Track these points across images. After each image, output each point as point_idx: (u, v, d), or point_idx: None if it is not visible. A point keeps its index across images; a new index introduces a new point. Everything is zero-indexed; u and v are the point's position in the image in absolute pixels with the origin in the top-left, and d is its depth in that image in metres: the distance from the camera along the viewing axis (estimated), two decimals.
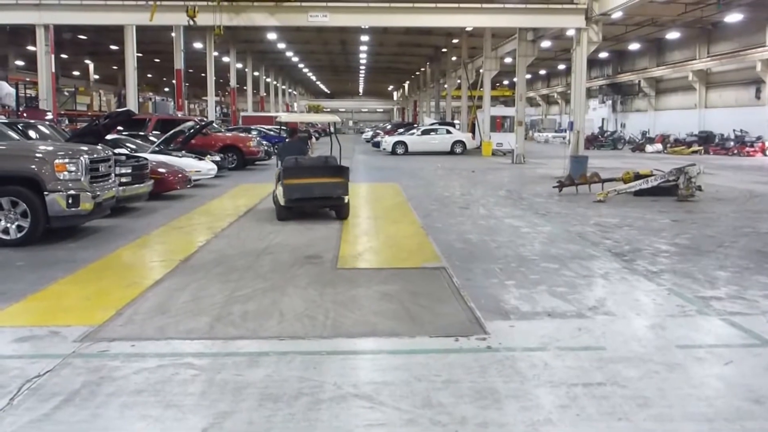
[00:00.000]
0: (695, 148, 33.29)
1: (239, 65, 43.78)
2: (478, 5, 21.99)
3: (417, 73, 60.71)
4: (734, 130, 32.92)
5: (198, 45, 33.85)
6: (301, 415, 3.46)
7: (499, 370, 4.11)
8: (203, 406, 3.56)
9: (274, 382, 3.88)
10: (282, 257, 7.47)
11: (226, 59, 42.11)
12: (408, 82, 71.86)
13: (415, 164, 23.68)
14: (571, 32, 21.93)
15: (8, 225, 7.84)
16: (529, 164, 24.16)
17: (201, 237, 8.86)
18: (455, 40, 37.93)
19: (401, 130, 37.45)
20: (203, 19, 20.87)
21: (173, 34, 25.62)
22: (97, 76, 50.77)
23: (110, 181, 9.07)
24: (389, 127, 48.91)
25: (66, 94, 35.57)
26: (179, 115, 24.68)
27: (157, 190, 11.67)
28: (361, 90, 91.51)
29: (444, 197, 13.77)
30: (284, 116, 13.57)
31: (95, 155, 8.57)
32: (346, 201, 10.21)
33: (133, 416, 3.45)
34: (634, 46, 40.46)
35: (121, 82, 42.41)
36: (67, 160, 7.99)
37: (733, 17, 29.06)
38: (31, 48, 29.32)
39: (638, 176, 13.82)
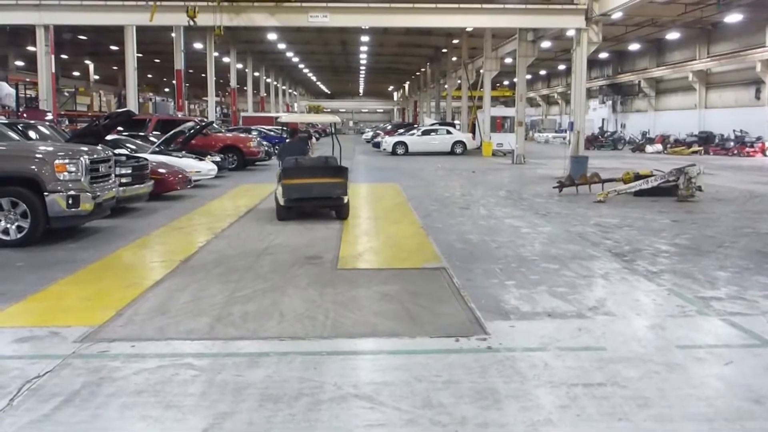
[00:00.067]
0: (695, 148, 33.29)
1: (239, 66, 43.79)
2: (479, 6, 21.99)
3: (417, 73, 60.72)
4: (734, 131, 32.92)
5: (198, 45, 33.85)
6: (302, 416, 3.46)
7: (499, 370, 4.11)
8: (203, 407, 3.56)
9: (275, 383, 3.88)
10: (282, 258, 7.47)
11: (226, 59, 42.11)
12: (408, 82, 71.87)
13: (415, 164, 23.69)
14: (571, 33, 21.93)
15: (8, 225, 7.84)
16: (530, 164, 24.16)
17: (201, 237, 8.86)
18: (455, 41, 37.94)
19: (401, 130, 37.44)
20: (203, 19, 20.87)
21: (173, 35, 25.63)
22: (97, 77, 50.78)
23: (110, 181, 9.07)
24: (389, 127, 48.94)
25: (66, 94, 35.59)
26: (179, 116, 24.68)
27: (158, 191, 11.67)
28: (361, 90, 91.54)
29: (444, 197, 13.77)
30: (285, 117, 13.59)
31: (95, 156, 8.57)
32: (345, 201, 10.23)
33: (133, 417, 3.45)
34: (634, 47, 40.46)
35: (121, 83, 42.42)
36: (67, 161, 7.99)
37: (733, 17, 29.05)
38: (31, 48, 29.33)
39: (638, 176, 13.81)
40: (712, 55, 35.27)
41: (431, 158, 27.49)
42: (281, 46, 43.51)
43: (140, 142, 15.18)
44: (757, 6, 26.98)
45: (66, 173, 7.93)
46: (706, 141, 34.20)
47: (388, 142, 31.95)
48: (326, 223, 10.00)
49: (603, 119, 49.31)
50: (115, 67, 48.68)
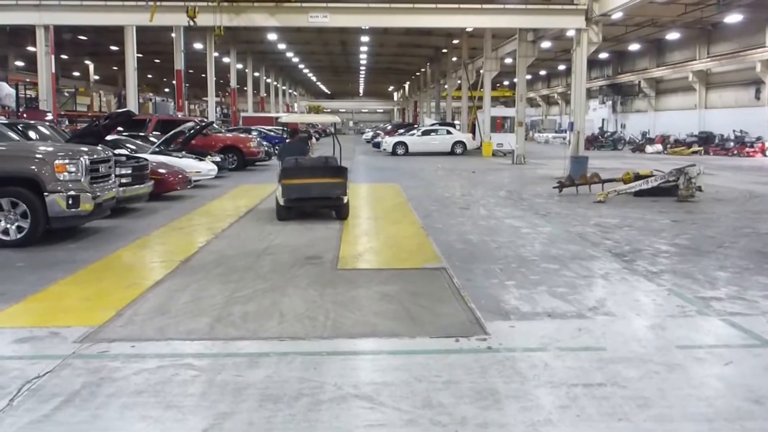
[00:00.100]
0: (695, 148, 33.30)
1: (239, 66, 43.79)
2: (479, 6, 21.99)
3: (417, 73, 60.74)
4: (734, 131, 32.92)
5: (198, 45, 33.86)
6: (302, 416, 3.46)
7: (499, 370, 4.11)
8: (203, 407, 3.56)
9: (275, 383, 3.88)
10: (282, 258, 7.47)
11: (226, 60, 42.12)
12: (408, 82, 71.87)
13: (415, 165, 23.69)
14: (571, 33, 21.93)
15: (8, 226, 7.84)
16: (530, 165, 24.16)
17: (201, 238, 8.86)
18: (455, 41, 37.94)
19: (401, 130, 37.44)
20: (203, 19, 20.87)
21: (173, 35, 25.63)
22: (97, 77, 50.79)
23: (110, 181, 9.07)
24: (389, 127, 48.94)
25: (66, 94, 35.60)
26: (179, 116, 24.68)
27: (158, 191, 11.67)
28: (361, 90, 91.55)
29: (444, 198, 13.77)
30: (285, 117, 13.60)
31: (95, 156, 8.57)
32: (345, 201, 10.23)
33: (133, 417, 3.45)
34: (634, 47, 40.46)
35: (122, 83, 42.43)
36: (67, 161, 7.99)
37: (733, 18, 29.05)
38: (31, 49, 29.35)
39: (638, 177, 13.81)
40: (712, 56, 35.27)
41: (431, 158, 27.50)
42: (281, 46, 43.51)
43: (140, 143, 15.19)
44: (756, 6, 26.98)
45: (66, 173, 7.93)
46: (706, 141, 34.20)
47: (388, 142, 31.96)
48: (326, 223, 10.00)
49: (603, 119, 49.31)
50: (115, 68, 48.70)
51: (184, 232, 9.43)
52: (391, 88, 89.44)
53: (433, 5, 21.69)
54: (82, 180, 8.09)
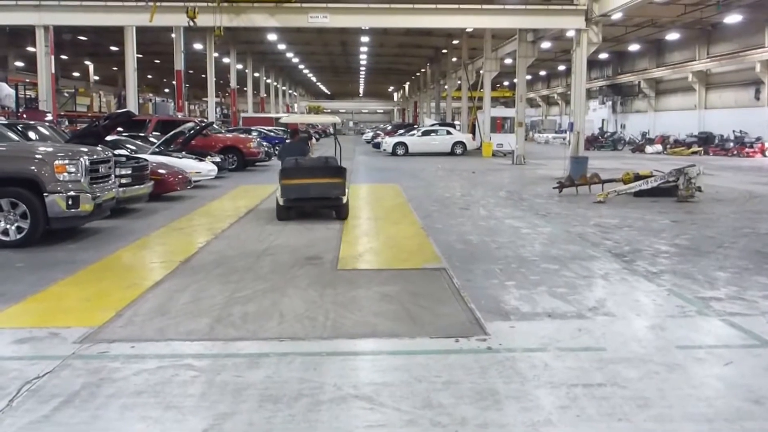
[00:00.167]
0: (695, 149, 33.30)
1: (239, 66, 43.80)
2: (478, 6, 22.00)
3: (417, 74, 60.76)
4: (734, 131, 32.92)
5: (198, 46, 33.86)
6: (301, 416, 3.46)
7: (499, 370, 4.11)
8: (203, 408, 3.56)
9: (274, 383, 3.88)
10: (282, 258, 7.47)
11: (226, 60, 42.12)
12: (408, 83, 71.89)
13: (415, 165, 23.69)
14: (571, 33, 21.94)
15: (8, 226, 7.83)
16: (530, 165, 24.16)
17: (201, 238, 8.86)
18: (455, 41, 37.95)
19: (401, 131, 37.44)
20: (203, 20, 20.88)
21: (173, 35, 25.62)
22: (97, 77, 50.80)
23: (110, 182, 9.07)
24: (389, 128, 48.94)
25: (66, 95, 35.59)
26: (179, 116, 24.68)
27: (157, 191, 11.67)
28: (361, 91, 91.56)
29: (444, 198, 13.77)
30: (286, 118, 13.62)
31: (95, 156, 8.57)
32: (344, 201, 10.25)
33: (133, 417, 3.45)
34: (633, 47, 40.48)
35: (121, 83, 42.44)
36: (66, 162, 7.99)
37: (733, 18, 29.06)
38: (30, 49, 29.33)
39: (638, 177, 13.81)
40: (711, 56, 35.28)
41: (431, 159, 27.50)
42: (281, 46, 43.52)
43: (140, 143, 15.19)
44: (756, 7, 26.99)
45: (66, 174, 7.92)
46: (706, 141, 34.20)
47: (388, 142, 31.95)
48: (326, 223, 10.00)
49: (603, 120, 49.33)
50: (115, 68, 48.69)
51: (184, 232, 9.43)
52: (391, 89, 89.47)
53: (433, 6, 21.70)
54: (82, 180, 8.09)
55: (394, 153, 30.40)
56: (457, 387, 3.84)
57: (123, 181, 10.12)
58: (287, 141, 12.23)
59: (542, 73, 57.63)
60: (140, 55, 24.97)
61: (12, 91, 28.28)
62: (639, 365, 4.20)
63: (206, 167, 15.38)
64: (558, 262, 7.35)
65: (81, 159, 8.14)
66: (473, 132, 33.25)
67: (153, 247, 8.42)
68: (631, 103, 46.37)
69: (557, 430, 3.35)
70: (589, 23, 20.59)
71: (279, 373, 4.04)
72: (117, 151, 11.49)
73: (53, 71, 21.86)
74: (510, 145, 27.35)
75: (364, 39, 40.45)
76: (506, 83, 59.40)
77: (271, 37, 38.27)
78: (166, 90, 61.55)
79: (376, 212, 11.64)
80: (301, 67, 60.20)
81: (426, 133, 32.34)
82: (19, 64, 43.94)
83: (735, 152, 30.99)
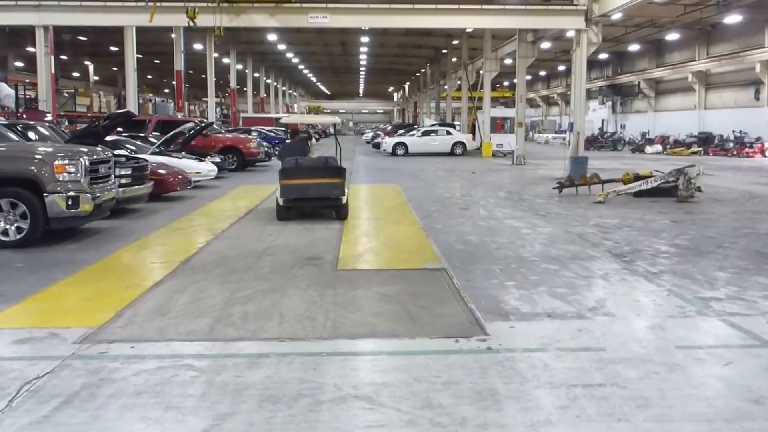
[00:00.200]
0: (695, 149, 33.30)
1: (239, 66, 43.80)
2: (478, 6, 22.00)
3: (417, 74, 60.76)
4: (733, 131, 32.92)
5: (198, 46, 33.86)
6: (301, 417, 3.46)
7: (499, 371, 4.11)
8: (203, 408, 3.56)
9: (274, 384, 3.88)
10: (282, 258, 7.47)
11: (226, 60, 42.13)
12: (408, 83, 71.90)
13: (415, 165, 23.69)
14: (570, 33, 21.95)
15: (7, 226, 7.83)
16: (530, 165, 24.16)
17: (201, 238, 8.86)
18: (455, 42, 37.95)
19: (401, 131, 37.45)
20: (203, 20, 20.88)
21: (173, 36, 25.62)
22: (96, 78, 50.79)
23: (110, 182, 9.06)
24: (389, 128, 48.95)
25: (66, 95, 35.58)
26: (179, 117, 24.68)
27: (157, 192, 11.67)
28: (361, 91, 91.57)
29: (444, 198, 13.77)
30: (286, 118, 13.63)
31: (95, 156, 8.57)
32: (344, 201, 10.26)
33: (133, 418, 3.45)
34: (633, 48, 40.49)
35: (121, 84, 42.44)
36: (66, 162, 7.98)
37: (733, 18, 29.07)
38: (30, 49, 29.33)
39: (638, 177, 13.81)
40: (711, 56, 35.29)
41: (431, 159, 27.49)
42: (281, 46, 43.52)
43: (140, 143, 15.19)
44: (756, 7, 27.00)
45: (65, 174, 7.92)
46: (706, 142, 34.21)
47: (388, 142, 31.95)
48: (326, 223, 10.01)
49: (603, 120, 49.33)
50: (114, 68, 48.68)
51: (184, 232, 9.43)
52: (391, 89, 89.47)
53: (433, 6, 21.71)
54: (82, 181, 8.09)
55: (393, 153, 30.40)
56: (457, 387, 3.84)
57: (123, 181, 10.12)
58: (287, 141, 12.23)
59: (542, 73, 57.63)
60: (140, 56, 24.97)
61: (12, 92, 28.26)
62: (639, 365, 4.20)
63: (206, 167, 15.38)
64: (558, 262, 7.35)
65: (81, 159, 8.14)
66: (473, 132, 33.24)
67: (153, 248, 8.42)
68: (630, 104, 46.38)
69: (557, 431, 3.35)
70: (588, 23, 20.59)
71: (279, 373, 4.04)
72: (117, 152, 11.49)
73: (53, 71, 21.86)
74: (510, 146, 27.35)
75: (364, 39, 40.45)
76: (506, 83, 59.41)
77: (271, 37, 38.28)
78: (166, 90, 61.55)
79: (376, 212, 11.64)
80: (301, 67, 60.21)
81: (426, 134, 32.34)
82: (19, 64, 43.95)
83: (735, 152, 30.99)
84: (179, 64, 25.08)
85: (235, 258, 7.48)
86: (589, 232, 9.39)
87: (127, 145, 14.19)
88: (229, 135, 23.92)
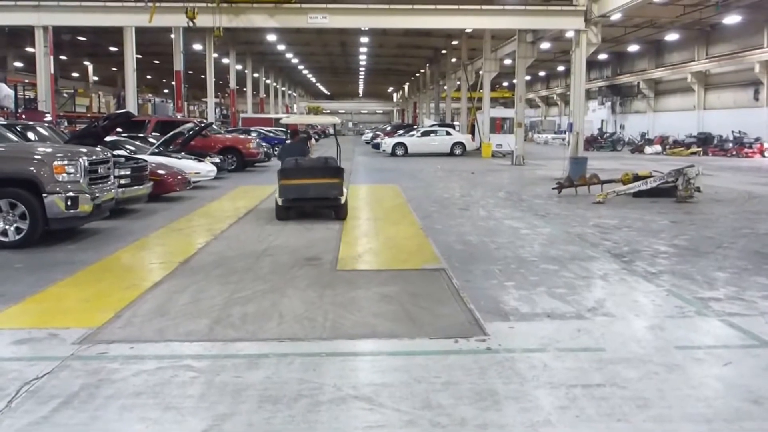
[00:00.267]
0: (694, 149, 33.32)
1: (239, 67, 43.80)
2: (478, 7, 22.01)
3: (417, 74, 60.78)
4: (733, 132, 32.95)
5: (198, 46, 33.86)
6: (301, 417, 3.46)
7: (498, 371, 4.11)
8: (202, 408, 3.56)
9: (274, 384, 3.88)
10: (281, 259, 7.47)
11: (225, 61, 42.13)
12: (408, 83, 71.93)
13: (414, 166, 23.69)
14: (570, 34, 21.96)
15: (7, 227, 7.82)
16: (529, 166, 24.16)
17: (200, 239, 8.86)
18: (455, 42, 37.98)
19: (401, 131, 37.46)
20: (203, 20, 20.88)
21: (173, 36, 25.62)
22: (96, 78, 50.73)
23: (109, 182, 9.05)
24: (389, 128, 48.95)
25: (65, 95, 35.54)
26: (179, 117, 24.67)
27: (157, 192, 11.67)
28: (360, 91, 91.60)
29: (444, 199, 13.77)
30: (286, 118, 13.64)
31: (94, 157, 8.56)
32: (343, 201, 10.28)
33: (132, 418, 3.45)
34: (633, 48, 40.52)
35: (121, 84, 42.43)
36: (65, 162, 7.98)
37: (732, 19, 29.10)
38: (29, 49, 29.28)
39: (637, 177, 13.81)
40: (710, 57, 35.32)
41: (431, 159, 27.49)
42: (281, 47, 43.53)
43: (139, 144, 15.19)
44: (755, 7, 27.03)
45: (65, 174, 7.92)
46: (705, 142, 34.23)
47: (387, 143, 31.96)
48: (326, 223, 10.01)
49: (602, 120, 49.35)
50: (114, 69, 48.70)
51: (184, 233, 9.43)
52: (390, 89, 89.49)
53: (433, 6, 21.71)
54: (81, 181, 8.08)
55: (393, 153, 30.41)
56: (457, 387, 3.84)
57: (122, 181, 10.11)
58: (287, 142, 12.24)
59: (541, 73, 57.66)
60: (139, 56, 24.97)
61: (11, 92, 28.25)
62: (638, 366, 4.20)
63: (205, 168, 15.38)
64: (557, 262, 7.35)
65: (80, 160, 8.13)
66: (472, 133, 33.26)
67: (152, 248, 8.42)
68: (630, 104, 46.41)
69: (556, 431, 3.35)
70: (588, 24, 20.60)
71: (278, 373, 4.04)
72: (116, 152, 11.49)
73: (52, 72, 21.85)
74: (509, 146, 27.36)
75: (364, 39, 40.47)
76: (506, 84, 59.41)
77: (271, 37, 38.28)
78: (166, 90, 61.53)
79: (376, 213, 11.64)
80: (300, 67, 60.23)
81: (425, 134, 32.35)
82: (18, 64, 43.95)
83: (734, 153, 31.01)
84: (179, 64, 25.08)
85: (234, 258, 7.48)
86: (588, 233, 9.39)
87: (127, 146, 14.18)
88: (228, 135, 23.91)
